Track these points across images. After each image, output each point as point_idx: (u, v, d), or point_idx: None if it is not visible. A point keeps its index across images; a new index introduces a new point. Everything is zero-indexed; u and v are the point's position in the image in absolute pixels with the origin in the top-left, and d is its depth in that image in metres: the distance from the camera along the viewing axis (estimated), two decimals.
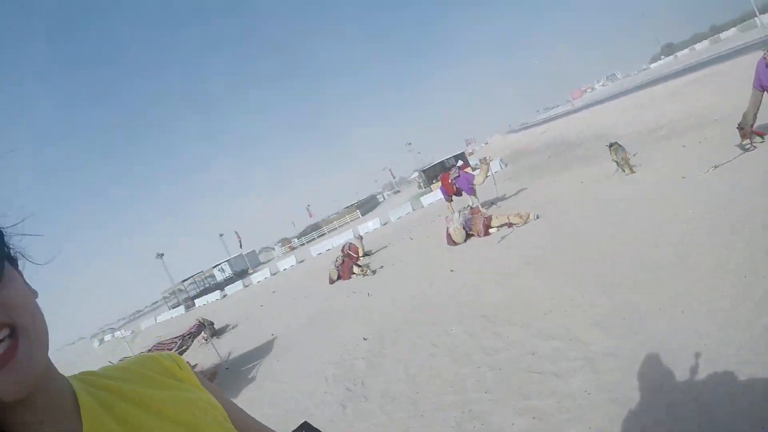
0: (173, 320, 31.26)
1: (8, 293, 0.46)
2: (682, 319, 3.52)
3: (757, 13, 38.67)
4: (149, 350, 11.28)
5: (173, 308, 37.74)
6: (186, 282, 42.52)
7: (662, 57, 76.66)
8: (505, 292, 6.75)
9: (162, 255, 52.88)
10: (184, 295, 40.08)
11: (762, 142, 6.76)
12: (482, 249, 9.95)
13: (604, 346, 3.75)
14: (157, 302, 65.12)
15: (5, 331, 0.45)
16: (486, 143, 69.26)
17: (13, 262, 0.51)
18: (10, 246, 0.51)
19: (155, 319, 36.57)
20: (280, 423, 5.74)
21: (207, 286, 41.61)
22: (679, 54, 60.40)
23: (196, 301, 34.54)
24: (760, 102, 6.63)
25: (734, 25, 49.33)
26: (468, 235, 10.97)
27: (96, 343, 42.14)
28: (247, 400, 7.82)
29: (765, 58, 6.38)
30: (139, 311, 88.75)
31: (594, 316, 4.37)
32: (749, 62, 10.00)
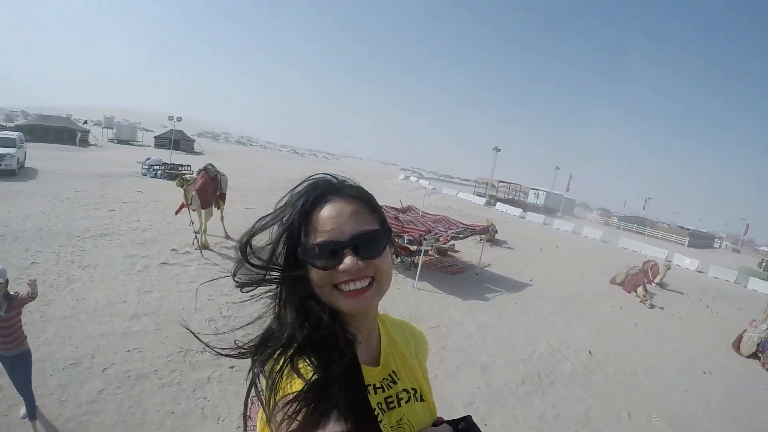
0: (469, 204, 34.94)
1: (381, 262, 0.79)
2: None
3: None
4: (439, 216, 13.77)
5: (477, 196, 42.24)
6: (501, 184, 46.15)
7: None
8: None
9: (499, 150, 58.19)
10: (492, 193, 43.85)
11: None
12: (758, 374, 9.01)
13: None
14: (468, 181, 73.40)
15: (369, 279, 0.78)
16: None
17: (390, 244, 0.82)
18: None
19: (457, 192, 41.94)
20: (453, 351, 7.27)
21: (515, 198, 44.26)
22: None
23: (498, 204, 38.10)
24: None
25: None
26: (755, 354, 9.41)
27: (402, 176, 49.15)
28: (465, 306, 9.69)
29: None
30: (450, 177, 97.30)
31: None
32: None
